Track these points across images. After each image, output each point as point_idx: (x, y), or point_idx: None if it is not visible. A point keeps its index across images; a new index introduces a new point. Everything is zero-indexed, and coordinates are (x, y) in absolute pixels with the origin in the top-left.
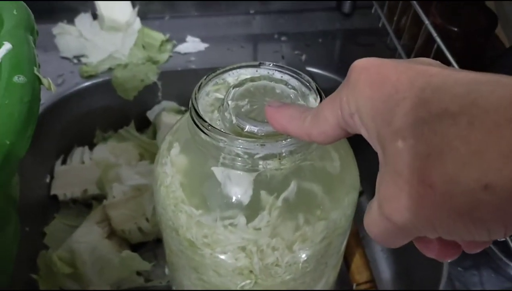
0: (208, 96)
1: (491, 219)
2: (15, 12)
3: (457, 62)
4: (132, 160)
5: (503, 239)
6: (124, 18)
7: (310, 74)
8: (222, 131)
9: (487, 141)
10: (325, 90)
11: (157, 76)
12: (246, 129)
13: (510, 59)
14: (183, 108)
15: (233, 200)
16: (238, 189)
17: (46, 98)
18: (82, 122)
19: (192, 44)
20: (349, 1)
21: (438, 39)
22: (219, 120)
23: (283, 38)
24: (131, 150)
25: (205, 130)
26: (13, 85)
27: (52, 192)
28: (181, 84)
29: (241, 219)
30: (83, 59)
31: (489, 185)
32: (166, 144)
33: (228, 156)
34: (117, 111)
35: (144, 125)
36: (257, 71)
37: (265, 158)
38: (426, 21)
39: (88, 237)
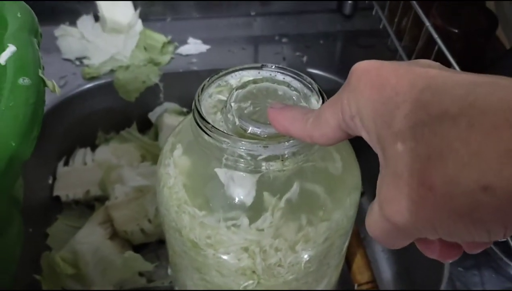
0: (211, 98)
1: (491, 220)
2: (19, 15)
3: (458, 63)
4: (134, 161)
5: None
6: (126, 20)
7: (311, 75)
8: (225, 132)
9: (486, 142)
10: (326, 91)
11: (159, 78)
12: (249, 131)
13: (510, 60)
14: (184, 109)
15: (236, 201)
16: (241, 190)
17: (48, 100)
18: (84, 123)
19: (194, 46)
20: (350, 3)
21: (438, 41)
22: (222, 122)
23: (284, 40)
24: (133, 151)
25: (208, 132)
26: (18, 87)
27: (55, 193)
28: (183, 85)
29: (244, 220)
30: (85, 61)
31: (488, 186)
32: (169, 146)
33: (231, 157)
34: (119, 112)
35: (146, 126)
36: (259, 73)
37: (268, 159)
38: (427, 23)
39: (90, 238)
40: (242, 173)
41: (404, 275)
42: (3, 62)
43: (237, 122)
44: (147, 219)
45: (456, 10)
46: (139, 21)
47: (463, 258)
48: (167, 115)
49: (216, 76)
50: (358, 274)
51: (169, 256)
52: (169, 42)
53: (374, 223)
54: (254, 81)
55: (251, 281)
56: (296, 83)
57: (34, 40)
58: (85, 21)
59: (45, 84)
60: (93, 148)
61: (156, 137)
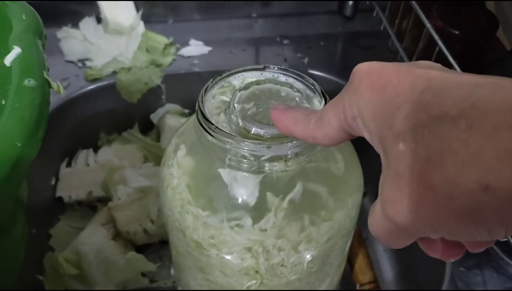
0: (214, 99)
1: (491, 220)
2: (24, 17)
3: (458, 64)
4: (136, 162)
5: (505, 239)
6: (128, 22)
7: (312, 76)
8: (228, 133)
9: (486, 143)
10: (327, 92)
11: (161, 79)
12: (252, 132)
13: (510, 61)
14: (186, 111)
15: (240, 201)
16: (244, 190)
17: (51, 101)
18: (86, 125)
19: (195, 48)
20: (350, 4)
21: (439, 42)
22: (225, 122)
23: (285, 41)
24: (135, 152)
25: (212, 133)
26: (24, 88)
27: (57, 194)
28: (185, 87)
29: (247, 220)
30: (88, 63)
31: (488, 186)
32: (172, 147)
33: (235, 158)
34: (121, 114)
35: (148, 128)
36: (262, 74)
37: (271, 159)
38: (427, 24)
39: (93, 238)
40: (245, 173)
41: (406, 275)
42: (8, 64)
43: (241, 123)
44: (149, 219)
45: (456, 11)
46: (141, 23)
47: (464, 258)
48: (169, 117)
49: (219, 77)
50: (360, 274)
51: (172, 256)
52: (171, 44)
53: (376, 222)
54: (257, 83)
55: (254, 281)
56: (298, 85)
57: (39, 42)
58: (87, 23)
59: (50, 86)
60: (96, 149)
61: (158, 138)
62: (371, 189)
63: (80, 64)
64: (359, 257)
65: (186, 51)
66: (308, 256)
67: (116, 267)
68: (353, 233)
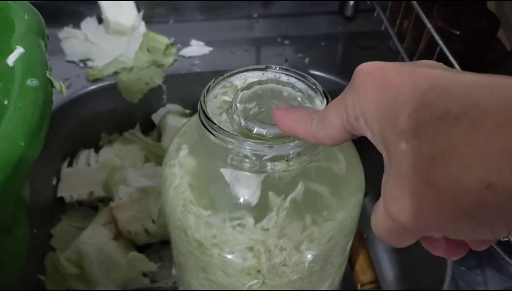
0: (216, 99)
1: (494, 218)
2: (26, 17)
3: (459, 64)
4: (137, 162)
5: (506, 238)
6: (129, 22)
7: (313, 77)
8: (230, 133)
9: (488, 142)
10: (328, 93)
11: (162, 80)
12: (254, 131)
13: (511, 62)
14: (187, 111)
15: (242, 201)
16: (247, 190)
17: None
18: (88, 125)
19: (197, 48)
20: (351, 5)
21: (440, 42)
22: (227, 122)
23: (286, 42)
24: (137, 152)
25: (214, 132)
26: (26, 88)
27: (59, 194)
28: (186, 87)
29: (249, 220)
30: (89, 63)
31: (491, 185)
32: (174, 146)
33: (237, 157)
34: (123, 114)
35: (149, 128)
36: (264, 74)
37: (273, 159)
38: (428, 24)
39: (95, 238)
40: (247, 173)
41: (406, 275)
42: (11, 64)
43: (243, 123)
44: (150, 219)
45: (457, 12)
46: (143, 23)
47: (465, 257)
48: (170, 117)
49: (221, 77)
50: (361, 274)
51: (174, 256)
52: (172, 44)
53: (379, 222)
54: (259, 83)
55: (256, 281)
56: (300, 85)
57: (41, 42)
58: (88, 23)
59: (52, 85)
60: (97, 149)
61: (159, 138)
62: (372, 189)
63: (81, 65)
64: (360, 257)
65: (187, 51)
66: (310, 256)
67: (117, 267)
68: (354, 233)
